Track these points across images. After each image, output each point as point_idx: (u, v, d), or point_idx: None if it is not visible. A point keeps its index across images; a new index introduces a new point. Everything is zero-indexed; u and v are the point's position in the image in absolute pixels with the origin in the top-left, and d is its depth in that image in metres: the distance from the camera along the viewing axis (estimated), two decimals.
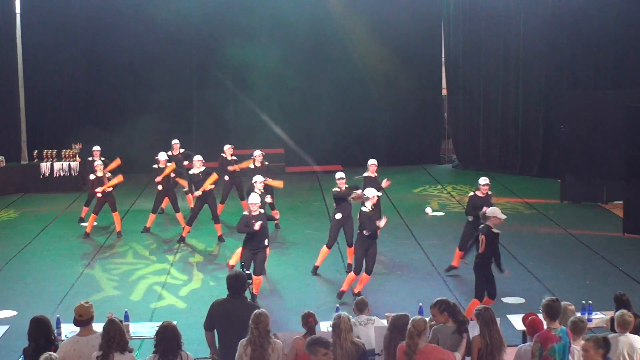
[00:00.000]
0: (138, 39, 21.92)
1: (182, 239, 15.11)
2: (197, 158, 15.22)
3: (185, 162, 16.65)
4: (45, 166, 19.77)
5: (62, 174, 19.66)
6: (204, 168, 15.12)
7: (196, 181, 15.04)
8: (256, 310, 6.92)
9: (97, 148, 16.72)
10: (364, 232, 11.40)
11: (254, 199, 11.59)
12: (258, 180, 12.87)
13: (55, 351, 6.74)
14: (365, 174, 14.20)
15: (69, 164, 19.66)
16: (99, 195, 15.11)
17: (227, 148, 16.42)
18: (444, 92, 23.99)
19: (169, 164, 15.72)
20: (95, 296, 12.15)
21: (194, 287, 12.60)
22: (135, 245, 15.08)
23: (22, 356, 7.08)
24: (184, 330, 7.20)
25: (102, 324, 6.82)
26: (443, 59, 23.54)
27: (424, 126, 23.67)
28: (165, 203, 16.48)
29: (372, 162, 14.28)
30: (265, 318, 6.85)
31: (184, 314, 11.01)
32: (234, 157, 16.37)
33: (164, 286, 12.65)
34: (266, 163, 15.86)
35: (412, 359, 6.75)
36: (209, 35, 22.32)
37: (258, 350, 6.77)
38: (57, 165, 19.75)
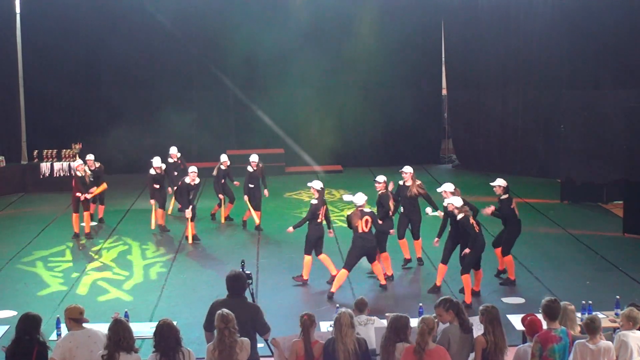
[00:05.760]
0: (138, 38, 21.97)
1: (195, 237, 15.09)
2: (192, 170, 15.09)
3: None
4: (45, 166, 19.77)
5: (62, 174, 19.65)
6: (198, 180, 15.03)
7: (188, 190, 14.93)
8: (220, 311, 6.87)
9: (90, 157, 16.37)
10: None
11: (359, 199, 11.94)
12: None
13: (40, 350, 6.76)
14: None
15: (69, 164, 19.64)
16: (78, 195, 15.08)
17: (224, 161, 16.17)
18: (444, 91, 24.01)
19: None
20: (95, 296, 12.21)
21: (194, 287, 12.60)
22: (134, 245, 15.08)
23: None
24: (184, 330, 7.20)
25: (104, 324, 6.81)
26: (443, 58, 23.56)
27: (424, 126, 23.68)
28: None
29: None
30: (233, 317, 6.84)
31: (184, 314, 11.01)
32: (227, 168, 16.22)
33: (165, 286, 12.66)
34: (260, 165, 15.81)
35: (422, 358, 6.75)
36: (209, 35, 22.32)
37: (227, 351, 6.74)
38: (57, 165, 19.76)
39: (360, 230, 11.75)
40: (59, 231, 16.06)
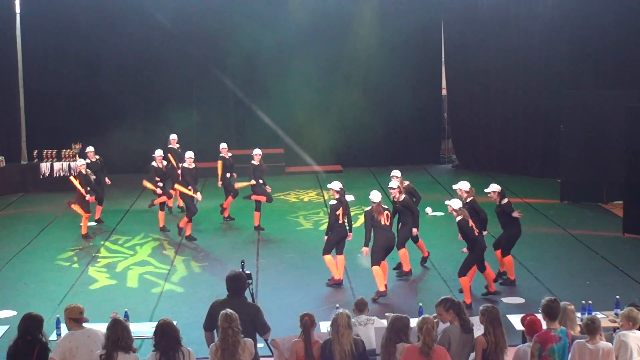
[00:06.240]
0: (138, 38, 21.96)
1: (189, 237, 15.13)
2: (189, 155, 15.23)
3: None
4: (45, 166, 19.78)
5: (62, 174, 19.64)
6: (194, 165, 15.17)
7: (189, 176, 15.05)
8: (224, 311, 6.88)
9: (90, 149, 16.56)
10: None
11: (377, 196, 11.96)
12: None
13: (41, 351, 6.76)
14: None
15: (69, 164, 19.66)
16: (86, 196, 15.12)
17: (222, 148, 16.38)
18: (444, 92, 24.00)
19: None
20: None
21: (195, 287, 12.60)
22: (132, 244, 15.09)
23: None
24: (184, 330, 7.20)
25: (103, 324, 6.81)
26: (443, 59, 23.55)
27: (424, 126, 23.68)
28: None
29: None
30: (237, 317, 6.85)
31: (184, 314, 11.01)
32: (228, 159, 16.32)
33: (164, 286, 12.66)
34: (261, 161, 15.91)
35: (429, 357, 6.76)
36: (209, 35, 22.32)
37: (229, 350, 6.75)
38: (57, 165, 19.77)
39: (382, 223, 11.83)
40: (59, 231, 16.04)
